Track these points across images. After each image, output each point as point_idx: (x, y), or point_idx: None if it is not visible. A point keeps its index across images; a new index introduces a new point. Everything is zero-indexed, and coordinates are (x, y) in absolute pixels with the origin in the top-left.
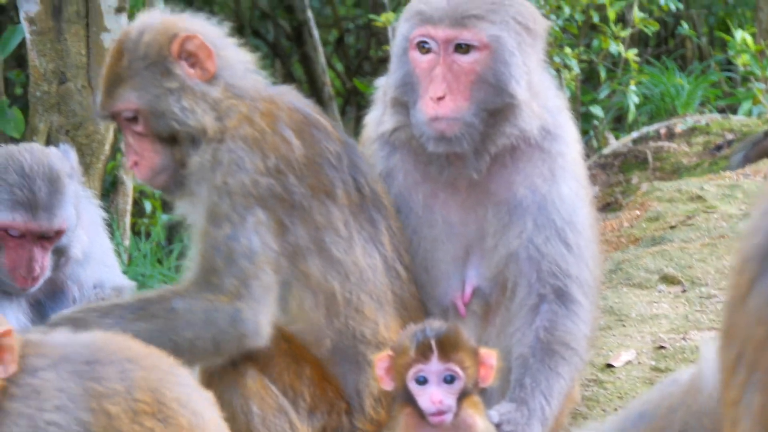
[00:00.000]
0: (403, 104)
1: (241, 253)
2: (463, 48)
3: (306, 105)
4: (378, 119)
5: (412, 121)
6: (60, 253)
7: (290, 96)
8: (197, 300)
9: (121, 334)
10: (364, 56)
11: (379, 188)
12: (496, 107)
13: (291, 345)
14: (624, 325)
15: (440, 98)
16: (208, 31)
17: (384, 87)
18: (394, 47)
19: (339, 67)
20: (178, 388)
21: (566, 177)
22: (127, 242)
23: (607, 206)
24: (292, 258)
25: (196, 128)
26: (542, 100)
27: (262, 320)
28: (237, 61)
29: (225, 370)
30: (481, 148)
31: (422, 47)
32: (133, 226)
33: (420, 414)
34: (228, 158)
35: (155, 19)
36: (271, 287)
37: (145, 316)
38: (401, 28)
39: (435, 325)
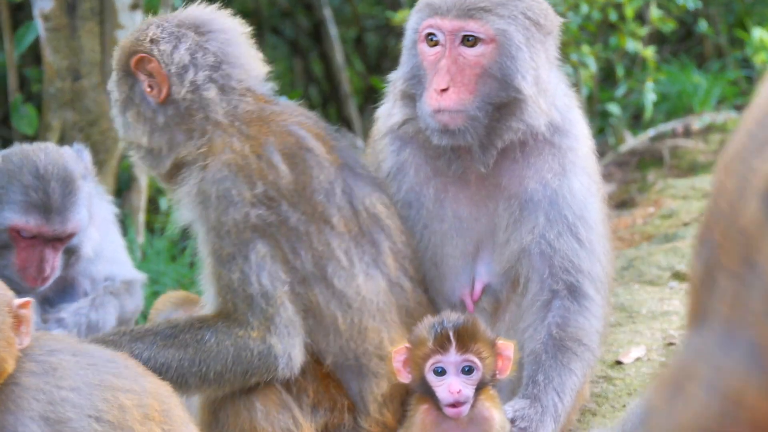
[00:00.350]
0: (411, 97)
1: (256, 294)
2: (469, 41)
3: (303, 125)
4: (388, 112)
5: (419, 114)
6: (71, 252)
7: (289, 115)
8: (227, 335)
9: (151, 360)
10: (383, 54)
11: (378, 208)
12: (501, 101)
13: None
14: (634, 322)
15: (444, 90)
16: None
17: (394, 80)
18: (405, 40)
19: (358, 64)
20: (181, 410)
21: (577, 172)
22: (141, 239)
23: (622, 204)
24: (302, 284)
25: (139, 145)
26: (551, 96)
27: (294, 353)
28: (235, 75)
29: None
30: (487, 141)
31: (430, 39)
32: (148, 223)
33: (437, 408)
34: (215, 191)
35: (139, 28)
36: (294, 319)
37: (176, 343)
38: (411, 21)
39: (453, 316)
